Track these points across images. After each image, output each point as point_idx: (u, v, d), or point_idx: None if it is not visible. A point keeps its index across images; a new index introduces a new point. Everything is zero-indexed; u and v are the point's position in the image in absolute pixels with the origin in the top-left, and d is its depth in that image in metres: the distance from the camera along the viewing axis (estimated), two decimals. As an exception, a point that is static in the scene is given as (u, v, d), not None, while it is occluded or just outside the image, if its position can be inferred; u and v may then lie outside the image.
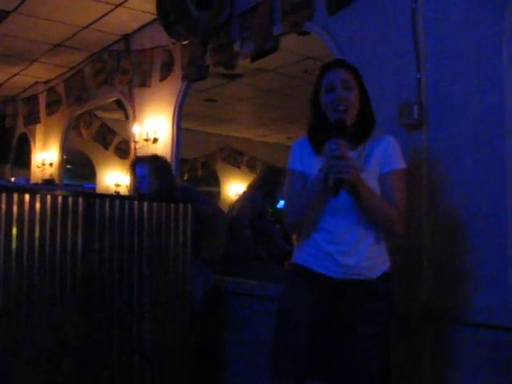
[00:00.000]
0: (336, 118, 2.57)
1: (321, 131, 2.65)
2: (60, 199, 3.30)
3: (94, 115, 10.34)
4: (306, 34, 4.79)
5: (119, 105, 7.95)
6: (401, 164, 2.68)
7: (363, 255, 2.58)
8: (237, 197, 5.90)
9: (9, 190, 3.20)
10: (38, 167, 9.64)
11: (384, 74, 3.95)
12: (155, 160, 4.50)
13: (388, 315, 2.65)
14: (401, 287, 3.67)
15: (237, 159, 13.44)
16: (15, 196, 3.15)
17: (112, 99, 7.95)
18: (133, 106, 7.22)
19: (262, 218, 5.23)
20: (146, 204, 3.62)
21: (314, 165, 2.62)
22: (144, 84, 6.90)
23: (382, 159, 2.65)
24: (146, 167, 4.32)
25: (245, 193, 5.43)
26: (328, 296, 2.60)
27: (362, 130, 2.70)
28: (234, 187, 13.24)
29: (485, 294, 3.28)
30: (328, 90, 2.65)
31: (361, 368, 2.54)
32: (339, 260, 2.57)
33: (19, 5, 6.50)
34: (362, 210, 2.55)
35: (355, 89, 2.68)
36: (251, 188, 5.32)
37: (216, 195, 13.06)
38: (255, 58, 5.25)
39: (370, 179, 2.58)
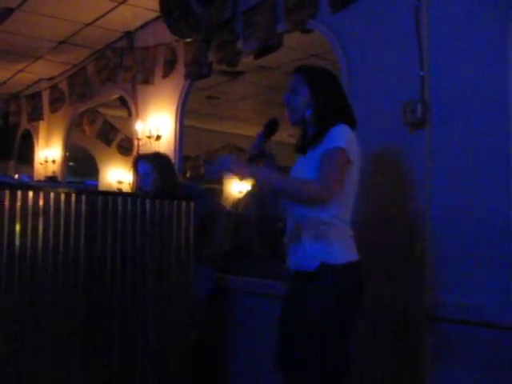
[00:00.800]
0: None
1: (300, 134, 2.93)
2: (63, 196, 3.31)
3: (97, 112, 10.34)
4: (309, 31, 4.79)
5: (122, 102, 7.95)
6: (332, 143, 2.66)
7: (300, 248, 2.72)
8: (240, 194, 5.89)
9: (12, 187, 3.21)
10: (41, 164, 9.65)
11: (387, 71, 3.95)
12: (157, 157, 4.51)
13: (328, 304, 2.65)
14: (402, 287, 3.69)
15: (239, 156, 13.40)
16: (19, 193, 3.16)
17: (115, 96, 7.95)
18: (136, 103, 7.22)
19: (268, 216, 5.23)
20: (148, 201, 3.62)
21: (296, 164, 2.91)
22: (147, 81, 6.90)
23: (324, 144, 2.69)
24: (149, 165, 4.31)
25: (251, 189, 5.44)
26: (290, 288, 2.85)
27: (319, 129, 2.76)
28: (237, 185, 13.24)
29: (487, 292, 3.29)
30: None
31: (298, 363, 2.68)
32: (290, 252, 2.81)
33: (23, 2, 6.50)
34: (278, 195, 2.88)
35: (304, 88, 2.81)
36: None
37: (219, 193, 13.04)
38: (258, 55, 5.24)
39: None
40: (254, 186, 2.85)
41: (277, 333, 2.86)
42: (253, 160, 2.88)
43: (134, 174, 4.48)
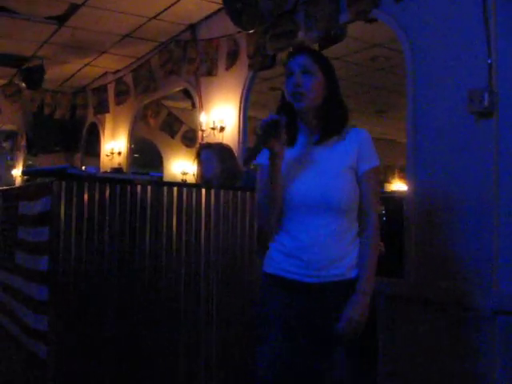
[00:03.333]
0: (296, 106, 2.48)
1: (286, 120, 2.43)
2: (129, 188, 3.36)
3: (162, 104, 10.45)
4: (372, 21, 4.74)
5: (186, 94, 8.02)
6: (376, 161, 2.52)
7: (338, 257, 2.43)
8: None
9: (80, 178, 3.28)
10: (107, 156, 9.84)
11: (453, 60, 3.88)
12: (219, 145, 4.65)
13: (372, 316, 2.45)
14: (472, 279, 3.63)
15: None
16: (86, 184, 3.23)
17: (179, 89, 8.03)
18: (199, 95, 7.28)
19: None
20: (213, 191, 3.65)
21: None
22: (210, 73, 6.94)
23: (360, 154, 2.49)
24: (210, 152, 4.42)
25: None
26: (304, 302, 2.44)
27: (328, 119, 2.51)
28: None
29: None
30: (287, 76, 2.51)
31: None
32: (308, 265, 2.42)
33: (88, -3, 6.64)
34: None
35: (316, 75, 2.49)
36: None
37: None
38: (323, 46, 5.21)
39: (346, 174, 2.47)
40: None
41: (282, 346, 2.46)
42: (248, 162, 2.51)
43: (197, 162, 4.59)
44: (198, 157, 4.52)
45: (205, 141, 6.95)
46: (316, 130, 2.53)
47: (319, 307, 2.43)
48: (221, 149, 4.50)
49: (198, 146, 5.06)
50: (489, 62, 3.59)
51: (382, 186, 12.68)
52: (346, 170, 2.47)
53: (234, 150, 4.80)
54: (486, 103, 3.55)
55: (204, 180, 4.36)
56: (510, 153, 3.50)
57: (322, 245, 2.41)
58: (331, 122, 2.51)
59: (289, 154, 2.46)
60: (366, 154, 2.50)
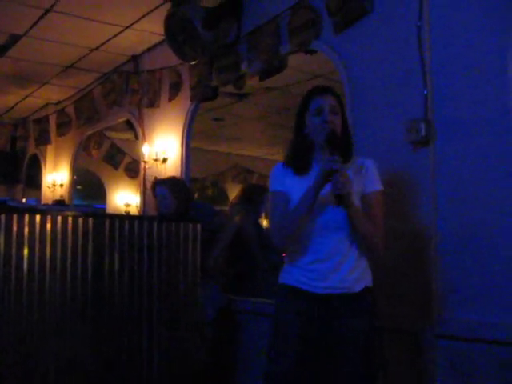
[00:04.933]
0: (327, 131, 2.74)
1: (304, 152, 2.86)
2: (70, 220, 3.33)
3: (104, 136, 10.40)
4: (313, 52, 4.82)
5: (129, 125, 7.99)
6: (381, 186, 2.90)
7: (347, 271, 2.75)
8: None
9: (20, 211, 3.24)
10: (49, 188, 9.70)
11: (391, 91, 3.97)
12: (172, 181, 4.78)
13: (371, 329, 2.82)
14: (412, 306, 3.68)
15: (246, 178, 13.46)
16: (26, 217, 3.18)
17: (122, 120, 7.99)
18: (142, 126, 7.26)
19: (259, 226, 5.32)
20: (155, 224, 3.64)
21: (296, 185, 2.79)
22: (153, 104, 6.95)
23: (366, 180, 2.85)
24: (165, 188, 4.55)
25: (233, 204, 5.45)
26: (316, 312, 2.74)
27: (345, 152, 2.80)
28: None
29: (497, 310, 3.28)
30: (317, 114, 2.82)
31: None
32: (325, 277, 2.74)
33: (30, 28, 6.58)
34: (352, 225, 2.72)
35: (340, 114, 2.85)
36: (239, 200, 5.36)
37: (226, 214, 13.01)
38: (263, 77, 5.28)
39: (355, 199, 2.76)
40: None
41: (289, 353, 2.79)
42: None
43: (153, 197, 4.76)
44: (153, 191, 4.68)
45: (148, 172, 6.95)
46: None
47: (324, 316, 2.74)
48: (174, 184, 4.66)
49: (152, 180, 5.22)
50: (425, 93, 3.68)
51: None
52: (357, 193, 2.78)
53: (185, 182, 4.91)
54: (422, 133, 3.63)
55: (160, 214, 4.51)
56: (446, 180, 3.58)
57: (335, 260, 2.74)
58: (347, 153, 2.82)
59: (305, 181, 2.74)
60: (373, 179, 2.88)
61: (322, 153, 2.79)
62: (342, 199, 2.59)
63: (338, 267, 2.73)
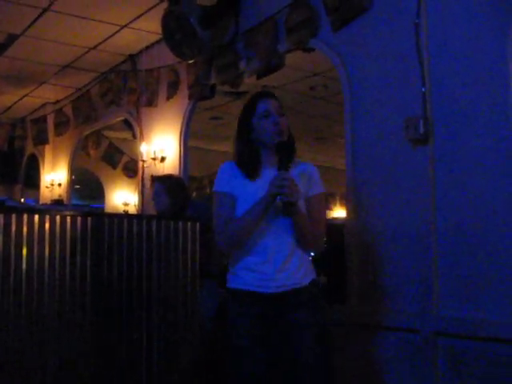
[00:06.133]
0: (278, 140, 2.77)
1: (253, 157, 2.84)
2: (69, 219, 3.32)
3: (102, 135, 10.38)
4: (310, 50, 4.82)
5: (127, 124, 7.99)
6: (323, 188, 2.93)
7: (292, 270, 2.76)
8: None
9: (18, 210, 3.23)
10: (47, 187, 9.69)
11: (389, 88, 3.97)
12: (169, 179, 4.77)
13: (320, 314, 2.86)
14: (411, 304, 3.69)
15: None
16: (25, 217, 3.18)
17: (119, 119, 7.99)
18: (140, 126, 7.26)
19: None
20: (154, 223, 3.63)
21: (244, 187, 2.80)
22: (151, 103, 6.95)
23: (310, 183, 2.86)
24: (160, 185, 4.57)
25: None
26: (268, 311, 2.75)
27: (289, 153, 2.80)
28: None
29: (496, 308, 3.29)
30: (265, 116, 2.83)
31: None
32: (273, 277, 2.73)
33: (27, 28, 6.58)
34: (296, 229, 2.75)
35: (285, 116, 2.89)
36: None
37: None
38: (261, 75, 5.28)
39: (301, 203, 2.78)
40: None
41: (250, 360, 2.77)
42: None
43: (152, 193, 4.78)
44: (151, 189, 4.71)
45: (146, 171, 6.95)
46: (276, 162, 2.74)
47: (279, 313, 2.76)
48: (170, 182, 4.66)
49: (150, 177, 5.27)
50: (423, 90, 3.69)
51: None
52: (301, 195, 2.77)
53: (183, 180, 4.91)
54: (421, 130, 3.64)
55: (157, 212, 4.54)
56: (445, 177, 3.58)
57: (282, 260, 2.74)
58: (291, 155, 2.81)
59: (255, 184, 2.78)
60: (315, 182, 2.90)
61: (271, 155, 2.81)
62: (290, 207, 2.63)
63: (283, 267, 2.74)
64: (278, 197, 2.60)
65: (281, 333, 2.76)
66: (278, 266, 2.73)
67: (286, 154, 2.71)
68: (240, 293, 2.80)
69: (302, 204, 2.76)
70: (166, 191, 4.55)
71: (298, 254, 2.78)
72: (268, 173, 2.75)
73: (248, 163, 2.84)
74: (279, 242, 2.76)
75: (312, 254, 3.09)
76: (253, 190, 2.74)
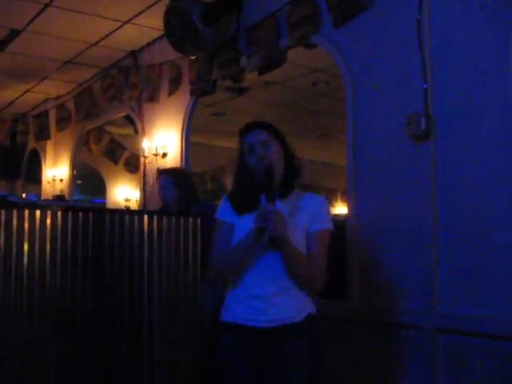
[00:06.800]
0: (262, 168, 2.65)
1: (247, 191, 2.75)
2: (70, 215, 3.32)
3: (104, 130, 10.38)
4: (312, 46, 4.82)
5: (129, 120, 7.99)
6: (329, 225, 2.76)
7: (284, 306, 2.65)
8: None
9: (20, 206, 3.23)
10: (49, 183, 9.69)
11: (391, 85, 3.97)
12: (175, 172, 4.81)
13: (311, 351, 2.70)
14: (413, 301, 3.69)
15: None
16: (26, 212, 3.18)
17: (121, 114, 7.99)
18: (142, 121, 7.26)
19: None
20: (155, 218, 3.63)
21: (239, 219, 2.73)
22: (153, 99, 6.94)
23: (314, 217, 2.72)
24: (168, 178, 4.53)
25: None
26: (259, 346, 2.66)
27: (287, 182, 2.75)
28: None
29: (498, 305, 3.29)
30: (250, 152, 2.76)
31: None
32: (263, 312, 2.63)
33: (29, 23, 6.57)
34: (286, 265, 2.62)
35: (274, 145, 2.76)
36: None
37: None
38: (263, 71, 5.28)
39: (297, 233, 2.66)
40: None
41: None
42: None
43: (158, 187, 4.75)
44: (157, 181, 4.66)
45: (147, 167, 6.95)
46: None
47: (269, 347, 2.66)
48: (178, 175, 4.66)
49: (157, 170, 5.24)
50: (425, 86, 3.68)
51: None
52: (300, 228, 2.69)
53: (189, 174, 4.90)
54: (422, 127, 3.64)
55: (163, 205, 4.50)
56: (446, 174, 3.58)
57: (271, 295, 2.64)
58: (291, 183, 2.76)
59: (250, 218, 2.61)
60: (319, 217, 2.73)
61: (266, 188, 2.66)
62: (275, 240, 2.52)
63: (273, 303, 2.64)
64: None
65: (270, 367, 2.66)
66: (268, 300, 2.63)
67: (270, 185, 2.59)
68: (231, 326, 2.73)
69: (299, 238, 2.66)
70: (173, 184, 4.54)
71: (290, 290, 2.66)
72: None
73: (241, 198, 2.77)
74: (269, 277, 2.65)
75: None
76: (247, 222, 2.63)
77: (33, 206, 3.27)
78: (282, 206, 2.62)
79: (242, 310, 2.69)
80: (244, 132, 2.84)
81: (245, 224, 2.65)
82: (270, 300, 2.63)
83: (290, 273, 2.64)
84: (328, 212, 2.81)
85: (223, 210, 2.82)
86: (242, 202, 2.76)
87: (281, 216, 2.52)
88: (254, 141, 2.76)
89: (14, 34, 6.91)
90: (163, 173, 4.76)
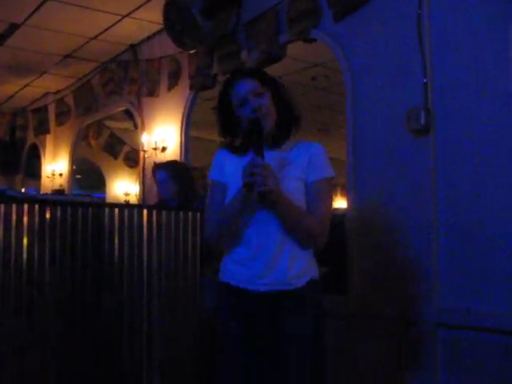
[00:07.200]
0: (251, 119, 2.49)
1: (236, 133, 2.64)
2: (70, 209, 3.32)
3: (103, 125, 10.37)
4: (312, 41, 4.81)
5: (128, 114, 7.98)
6: (327, 172, 2.58)
7: (283, 268, 2.47)
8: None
9: (19, 200, 3.23)
10: (48, 177, 9.68)
11: (390, 79, 3.96)
12: (173, 165, 4.66)
13: (316, 324, 2.54)
14: (413, 296, 3.69)
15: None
16: (25, 206, 3.18)
17: (121, 109, 7.98)
18: (141, 116, 7.25)
19: None
20: (155, 213, 3.63)
21: (231, 175, 2.54)
22: (152, 93, 6.93)
23: (309, 167, 2.55)
24: (165, 173, 4.43)
25: None
26: (258, 309, 2.49)
27: (280, 131, 2.60)
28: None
29: (498, 300, 3.29)
30: (241, 105, 2.57)
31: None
32: (262, 274, 2.47)
33: (28, 17, 6.56)
34: (281, 222, 2.45)
35: (266, 93, 2.57)
36: None
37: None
38: (262, 65, 5.26)
39: (291, 184, 2.49)
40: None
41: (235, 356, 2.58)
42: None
43: (153, 182, 4.63)
44: (153, 175, 4.55)
45: (147, 161, 6.94)
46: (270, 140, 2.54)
47: (267, 315, 2.49)
48: (177, 169, 4.51)
49: (153, 165, 5.10)
50: (424, 81, 3.68)
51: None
52: (295, 179, 2.52)
53: (188, 167, 4.83)
54: (422, 121, 3.64)
55: (160, 200, 4.39)
56: (446, 168, 3.58)
57: (269, 257, 2.46)
58: (283, 133, 2.60)
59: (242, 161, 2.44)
60: (317, 166, 2.55)
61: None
62: (265, 197, 2.34)
63: (272, 265, 2.46)
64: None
65: (269, 340, 2.49)
66: (266, 263, 2.46)
67: (259, 136, 2.39)
68: (230, 288, 2.57)
69: (294, 190, 2.48)
70: (173, 178, 4.42)
71: (288, 251, 2.48)
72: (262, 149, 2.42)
73: (233, 140, 2.65)
74: (264, 238, 2.47)
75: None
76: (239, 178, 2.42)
77: (32, 201, 3.26)
78: (272, 158, 2.42)
79: (241, 271, 2.52)
80: (231, 81, 2.63)
81: (234, 181, 2.47)
82: (268, 263, 2.46)
83: (288, 231, 2.46)
84: (326, 159, 2.60)
85: (215, 167, 2.67)
86: (237, 144, 2.62)
87: (269, 169, 2.34)
88: (243, 91, 2.55)
89: (14, 28, 6.89)
90: (160, 167, 4.63)
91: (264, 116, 2.51)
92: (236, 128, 2.65)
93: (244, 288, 2.51)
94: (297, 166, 2.54)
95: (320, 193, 2.54)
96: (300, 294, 2.49)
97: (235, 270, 2.56)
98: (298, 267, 2.50)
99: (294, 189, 2.50)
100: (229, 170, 2.60)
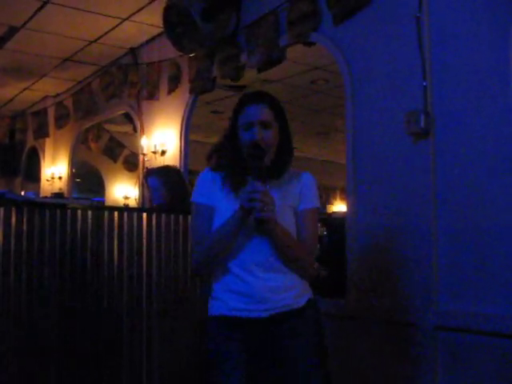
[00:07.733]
0: (253, 142, 2.43)
1: (237, 165, 2.52)
2: (69, 212, 3.32)
3: (103, 128, 10.38)
4: (311, 44, 4.81)
5: (128, 118, 7.98)
6: (316, 203, 2.59)
7: (283, 288, 2.44)
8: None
9: (18, 203, 3.23)
10: (48, 181, 9.68)
11: (390, 82, 3.96)
12: (165, 171, 4.52)
13: (318, 342, 2.53)
14: (412, 298, 3.69)
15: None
16: (25, 210, 3.18)
17: (120, 112, 7.98)
18: (141, 119, 7.25)
19: None
20: (154, 216, 3.63)
21: (223, 199, 2.48)
22: (152, 97, 6.93)
23: (302, 195, 2.55)
24: (157, 179, 4.32)
25: None
26: (255, 338, 2.44)
27: (280, 163, 2.55)
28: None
29: (497, 303, 3.29)
30: (246, 128, 2.49)
31: None
32: (259, 299, 2.41)
33: (27, 21, 6.56)
34: (276, 249, 2.41)
35: (274, 124, 2.52)
36: None
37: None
38: (262, 68, 5.27)
39: (286, 213, 2.49)
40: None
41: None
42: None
43: (145, 188, 4.52)
44: (146, 181, 4.46)
45: (146, 165, 6.93)
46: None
47: (270, 339, 2.45)
48: (168, 174, 4.39)
49: (143, 170, 4.99)
50: (424, 84, 3.68)
51: (324, 207, 12.80)
52: (289, 207, 2.51)
53: (181, 171, 4.79)
54: (422, 124, 3.63)
55: (153, 206, 4.27)
56: (446, 172, 3.58)
57: (268, 279, 2.42)
58: (283, 165, 2.54)
59: (231, 196, 2.46)
60: (308, 195, 2.56)
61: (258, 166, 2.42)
62: (262, 224, 2.30)
63: (271, 287, 2.41)
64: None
65: (270, 360, 2.45)
66: (265, 285, 2.41)
67: (259, 162, 2.36)
68: (223, 320, 2.47)
69: (288, 219, 2.48)
70: (164, 185, 4.26)
71: (285, 274, 2.45)
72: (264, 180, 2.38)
73: (231, 173, 2.51)
74: (263, 259, 2.42)
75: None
76: (236, 202, 2.39)
77: (32, 204, 3.26)
78: (273, 188, 2.41)
79: (236, 300, 2.43)
80: (245, 102, 2.54)
81: (228, 205, 2.43)
82: (267, 285, 2.40)
83: (281, 258, 2.42)
84: (316, 189, 2.61)
85: (201, 189, 2.55)
86: (229, 179, 2.50)
87: (269, 195, 2.30)
88: (253, 118, 2.48)
89: (13, 31, 6.90)
90: (153, 174, 4.46)
91: (266, 148, 2.46)
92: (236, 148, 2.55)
93: (240, 316, 2.43)
94: (290, 194, 2.53)
95: (310, 222, 2.57)
96: (300, 314, 2.48)
97: (229, 299, 2.46)
98: (296, 289, 2.49)
99: (288, 217, 2.50)
100: (215, 195, 2.52)
